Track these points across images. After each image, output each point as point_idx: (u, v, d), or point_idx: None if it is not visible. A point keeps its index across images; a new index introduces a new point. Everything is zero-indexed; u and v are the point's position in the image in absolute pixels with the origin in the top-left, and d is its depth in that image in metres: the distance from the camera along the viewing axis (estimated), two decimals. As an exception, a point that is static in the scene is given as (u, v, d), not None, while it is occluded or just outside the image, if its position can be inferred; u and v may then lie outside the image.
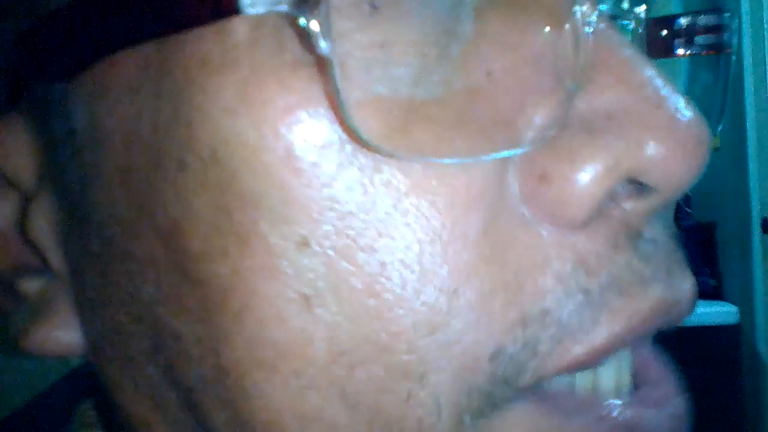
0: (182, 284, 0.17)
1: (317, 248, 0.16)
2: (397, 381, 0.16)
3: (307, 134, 0.16)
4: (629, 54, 0.17)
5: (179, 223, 0.17)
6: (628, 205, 0.17)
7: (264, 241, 0.16)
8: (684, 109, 0.16)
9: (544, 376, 0.17)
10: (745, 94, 1.65)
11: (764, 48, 1.64)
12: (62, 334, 0.21)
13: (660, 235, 0.18)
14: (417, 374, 0.16)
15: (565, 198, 0.16)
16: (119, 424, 0.23)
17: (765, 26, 1.64)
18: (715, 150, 1.82)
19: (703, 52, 0.25)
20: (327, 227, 0.16)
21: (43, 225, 0.20)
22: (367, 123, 0.15)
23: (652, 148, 0.16)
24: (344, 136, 0.16)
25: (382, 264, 0.16)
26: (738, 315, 1.66)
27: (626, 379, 0.19)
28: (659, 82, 0.17)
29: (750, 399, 1.67)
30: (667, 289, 0.17)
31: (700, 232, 1.76)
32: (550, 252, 0.16)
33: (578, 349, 0.17)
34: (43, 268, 0.21)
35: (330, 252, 0.16)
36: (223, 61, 0.16)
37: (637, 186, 0.17)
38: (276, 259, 0.16)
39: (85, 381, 0.26)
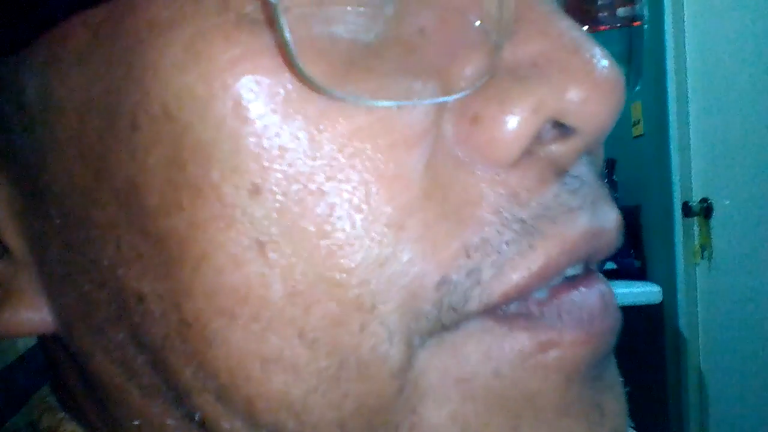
0: (141, 242, 0.18)
1: (269, 195, 0.17)
2: (350, 314, 0.17)
3: (253, 85, 0.17)
4: (548, 8, 0.18)
5: (135, 181, 0.17)
6: (554, 147, 0.18)
7: (217, 191, 0.17)
8: (599, 56, 0.18)
9: (489, 304, 0.18)
10: (667, 87, 1.72)
11: (684, 44, 1.71)
12: (29, 314, 0.21)
13: (585, 173, 0.19)
14: (368, 306, 0.17)
15: (495, 138, 0.17)
16: (83, 404, 0.23)
17: (684, 23, 1.71)
18: (640, 137, 1.90)
19: (618, 25, 0.26)
20: (277, 174, 0.17)
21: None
22: (312, 69, 0.16)
23: (572, 91, 0.17)
24: (289, 86, 0.17)
25: (332, 206, 0.17)
26: (661, 294, 1.74)
27: None
28: (576, 32, 0.18)
29: (672, 374, 1.77)
30: (594, 218, 0.19)
31: (625, 215, 1.82)
32: (484, 188, 0.17)
33: (518, 275, 0.17)
34: None
35: (281, 198, 0.17)
36: (170, 22, 0.17)
37: (562, 130, 0.18)
38: (230, 208, 0.17)
39: (36, 366, 0.26)
